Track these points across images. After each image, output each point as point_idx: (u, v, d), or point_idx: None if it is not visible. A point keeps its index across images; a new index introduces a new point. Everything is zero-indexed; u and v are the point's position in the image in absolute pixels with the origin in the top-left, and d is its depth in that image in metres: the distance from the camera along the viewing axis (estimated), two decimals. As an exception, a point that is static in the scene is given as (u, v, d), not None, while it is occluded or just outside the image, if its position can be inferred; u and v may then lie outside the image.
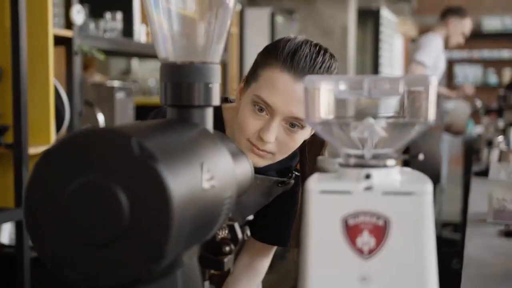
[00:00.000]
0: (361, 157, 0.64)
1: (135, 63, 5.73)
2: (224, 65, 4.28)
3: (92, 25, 2.95)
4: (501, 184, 1.77)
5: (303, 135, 1.19)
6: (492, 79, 8.88)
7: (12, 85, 2.36)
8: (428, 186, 0.61)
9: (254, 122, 1.17)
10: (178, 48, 0.67)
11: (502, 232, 1.66)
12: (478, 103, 4.96)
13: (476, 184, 2.59)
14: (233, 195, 0.67)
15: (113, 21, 3.11)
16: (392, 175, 0.63)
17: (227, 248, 0.75)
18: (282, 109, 1.15)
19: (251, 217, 1.46)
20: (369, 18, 6.83)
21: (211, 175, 0.61)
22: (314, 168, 1.30)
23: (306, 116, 0.65)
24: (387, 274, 0.61)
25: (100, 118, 2.99)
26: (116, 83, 3.36)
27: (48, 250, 0.55)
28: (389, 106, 0.73)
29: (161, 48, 0.68)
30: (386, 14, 7.06)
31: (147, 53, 3.47)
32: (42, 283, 2.43)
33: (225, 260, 0.75)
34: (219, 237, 0.76)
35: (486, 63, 8.93)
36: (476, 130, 4.97)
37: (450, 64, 8.38)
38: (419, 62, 4.26)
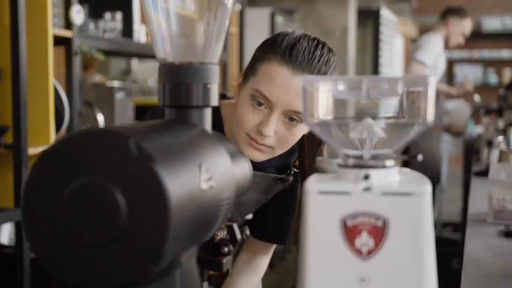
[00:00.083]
0: (360, 157, 0.64)
1: (135, 63, 5.73)
2: (224, 65, 4.28)
3: (91, 25, 2.95)
4: (501, 184, 1.77)
5: (302, 129, 1.19)
6: (492, 79, 8.88)
7: (12, 85, 2.36)
8: (427, 186, 0.61)
9: (253, 116, 1.17)
10: (176, 48, 0.67)
11: (502, 232, 1.66)
12: (477, 98, 4.95)
13: (476, 184, 2.59)
14: (231, 195, 0.67)
15: (112, 21, 3.10)
16: (391, 175, 0.63)
17: (226, 249, 0.75)
18: (281, 103, 1.15)
19: (250, 216, 1.46)
20: (369, 18, 6.83)
21: (209, 175, 0.60)
22: (313, 163, 1.30)
23: (304, 117, 0.65)
24: (386, 275, 0.61)
25: (100, 118, 2.99)
26: (116, 83, 3.36)
27: (46, 251, 0.55)
28: (389, 106, 0.73)
29: (160, 48, 0.68)
30: (386, 14, 7.06)
31: (146, 53, 3.47)
32: (41, 283, 2.43)
33: (224, 261, 0.75)
34: (218, 238, 0.76)
35: (486, 63, 8.93)
36: (476, 130, 4.97)
37: (450, 64, 8.38)
38: (419, 61, 4.26)
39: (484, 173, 2.48)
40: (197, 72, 0.67)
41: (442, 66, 4.49)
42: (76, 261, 0.54)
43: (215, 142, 0.67)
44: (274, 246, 1.47)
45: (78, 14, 2.69)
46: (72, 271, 0.54)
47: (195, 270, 0.66)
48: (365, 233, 0.61)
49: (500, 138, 2.94)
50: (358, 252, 0.61)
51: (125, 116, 3.14)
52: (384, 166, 0.63)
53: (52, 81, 2.54)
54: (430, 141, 4.20)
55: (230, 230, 0.77)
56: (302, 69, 1.15)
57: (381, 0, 6.93)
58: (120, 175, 0.53)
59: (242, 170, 0.75)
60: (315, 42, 1.19)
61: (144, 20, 3.27)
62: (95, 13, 3.03)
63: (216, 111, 1.28)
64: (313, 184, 0.62)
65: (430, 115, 0.64)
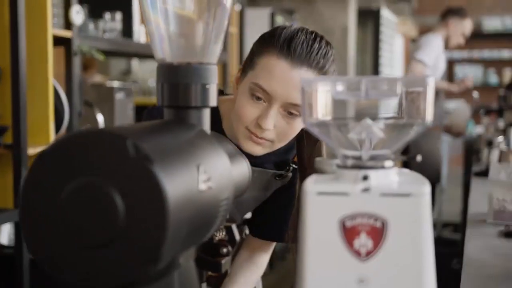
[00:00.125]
0: (359, 158, 0.63)
1: (135, 63, 5.73)
2: (224, 65, 4.28)
3: (91, 26, 2.95)
4: (501, 184, 1.77)
5: (301, 122, 1.20)
6: (493, 79, 8.88)
7: (11, 85, 2.36)
8: (426, 187, 0.61)
9: (252, 110, 1.17)
10: (175, 48, 0.67)
11: (502, 232, 1.66)
12: (475, 95, 4.95)
13: (476, 185, 2.59)
14: (230, 196, 0.67)
15: (112, 22, 3.10)
16: (390, 176, 0.63)
17: (225, 250, 0.75)
18: (280, 96, 1.15)
19: (249, 216, 1.46)
20: (369, 18, 6.83)
21: (207, 176, 0.60)
22: (312, 157, 1.30)
23: (303, 117, 0.65)
24: (385, 276, 0.61)
25: (100, 118, 2.98)
26: (115, 84, 3.36)
27: (44, 252, 0.55)
28: (389, 106, 0.72)
29: (158, 48, 0.68)
30: (386, 14, 7.05)
31: (146, 53, 3.47)
32: (41, 283, 2.43)
33: (223, 261, 0.74)
34: (217, 238, 0.76)
35: (487, 63, 8.93)
36: (476, 130, 4.97)
37: (451, 64, 8.38)
38: (419, 60, 4.26)
39: (484, 173, 2.48)
40: (196, 73, 0.67)
41: (442, 66, 4.49)
42: (74, 261, 0.54)
43: (214, 143, 0.67)
44: (274, 244, 1.47)
45: (78, 14, 2.69)
46: (70, 271, 0.54)
47: (194, 271, 0.66)
48: (364, 234, 0.61)
49: (500, 138, 2.93)
50: (357, 253, 0.61)
51: (125, 117, 3.14)
52: (383, 167, 0.63)
53: (51, 81, 2.54)
54: (430, 141, 4.20)
55: (229, 231, 0.77)
56: (301, 62, 1.16)
57: (381, 0, 6.93)
58: (118, 176, 0.52)
59: (240, 170, 0.75)
60: (313, 35, 1.19)
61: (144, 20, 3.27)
62: (95, 13, 3.03)
63: (214, 107, 1.28)
64: (311, 185, 0.62)
65: (429, 115, 0.64)
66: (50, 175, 0.54)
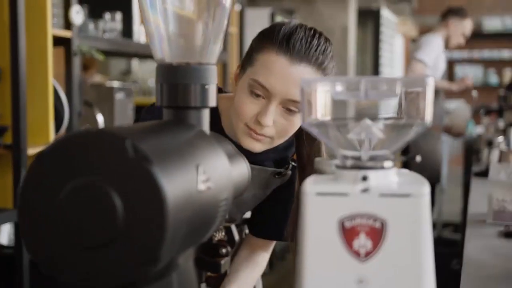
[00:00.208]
0: (358, 158, 0.63)
1: (135, 63, 5.73)
2: (224, 65, 4.28)
3: (91, 26, 2.95)
4: (501, 184, 1.77)
5: (301, 118, 1.19)
6: (493, 79, 8.88)
7: (11, 85, 2.36)
8: (425, 188, 0.61)
9: (251, 106, 1.17)
10: (174, 49, 0.67)
11: (502, 233, 1.66)
12: (474, 93, 4.95)
13: (476, 185, 2.59)
14: (229, 197, 0.67)
15: (112, 22, 3.10)
16: (389, 177, 0.63)
17: (224, 250, 0.74)
18: (279, 92, 1.15)
19: (248, 215, 1.46)
20: (369, 18, 6.83)
21: (207, 176, 0.60)
22: (311, 153, 1.30)
23: (302, 118, 0.65)
24: (384, 276, 0.61)
25: (100, 118, 2.98)
26: (115, 84, 3.36)
27: (42, 253, 0.55)
28: (389, 106, 0.72)
29: (157, 49, 0.68)
30: (386, 14, 7.05)
31: (146, 53, 3.47)
32: (41, 284, 2.43)
33: (222, 262, 0.74)
34: (216, 239, 0.75)
35: (487, 63, 8.93)
36: (476, 130, 4.96)
37: (451, 64, 8.38)
38: (419, 60, 4.26)
39: (484, 173, 2.47)
40: (195, 73, 0.67)
41: (442, 67, 4.49)
42: (73, 262, 0.54)
43: (213, 143, 0.67)
44: (273, 243, 1.46)
45: (77, 14, 2.69)
46: (69, 272, 0.54)
47: (193, 271, 0.66)
48: (363, 235, 0.60)
49: (500, 139, 2.93)
50: (356, 254, 0.61)
51: (125, 117, 3.14)
52: (382, 167, 0.62)
53: (51, 81, 2.54)
54: (430, 141, 4.20)
55: (228, 231, 0.77)
56: (300, 58, 1.16)
57: (381, 0, 6.93)
58: (117, 176, 0.52)
59: (240, 171, 0.75)
60: (312, 31, 1.19)
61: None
62: (94, 14, 3.03)
63: None
64: (311, 186, 0.62)
65: (429, 115, 0.64)
66: (48, 176, 0.54)
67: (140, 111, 1.36)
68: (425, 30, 6.21)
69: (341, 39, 5.62)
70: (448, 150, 5.19)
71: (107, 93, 3.10)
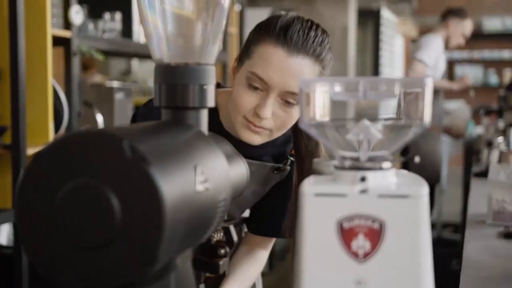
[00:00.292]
0: (357, 159, 0.63)
1: (135, 63, 5.72)
2: (224, 65, 4.28)
3: (91, 26, 2.95)
4: (501, 185, 1.77)
5: (299, 110, 1.19)
6: (493, 79, 8.87)
7: (11, 85, 2.35)
8: (424, 188, 0.61)
9: (249, 99, 1.17)
10: (172, 49, 0.67)
11: (502, 233, 1.66)
12: (472, 93, 4.95)
13: (476, 185, 2.59)
14: (227, 197, 0.67)
15: (112, 22, 3.10)
16: (388, 177, 0.63)
17: (222, 251, 0.74)
18: (277, 84, 1.15)
19: (247, 214, 1.45)
20: (369, 19, 6.82)
21: (205, 177, 0.60)
22: (309, 145, 1.29)
23: (300, 118, 0.65)
24: (383, 277, 0.61)
25: (99, 118, 2.98)
26: (115, 84, 3.35)
27: (40, 253, 0.54)
28: (389, 107, 0.72)
29: (156, 49, 0.67)
30: (386, 15, 7.05)
31: (146, 53, 3.46)
32: (40, 284, 2.43)
33: (220, 263, 0.74)
34: (214, 239, 0.75)
35: (487, 64, 8.92)
36: (476, 130, 4.96)
37: (451, 64, 8.37)
38: (420, 60, 4.26)
39: (484, 174, 2.47)
40: (193, 73, 0.66)
41: (442, 67, 4.49)
42: (70, 263, 0.54)
43: (211, 144, 0.67)
44: (273, 241, 1.46)
45: (77, 14, 2.69)
46: (66, 273, 0.54)
47: (191, 272, 0.66)
48: (362, 236, 0.60)
49: (500, 139, 2.93)
50: (355, 255, 0.61)
51: (124, 117, 3.14)
52: (381, 168, 0.62)
53: (51, 81, 2.53)
54: (430, 142, 4.20)
55: (227, 232, 0.76)
56: (297, 50, 1.16)
57: (381, 0, 6.93)
58: (114, 177, 0.52)
59: (238, 171, 0.75)
60: (309, 23, 1.20)
61: (143, 20, 3.26)
62: (94, 14, 3.02)
63: None
64: (309, 186, 0.62)
65: (427, 116, 0.64)
66: (46, 176, 0.54)
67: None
68: (425, 30, 6.20)
69: (341, 39, 5.62)
70: (448, 150, 5.18)
71: (107, 93, 3.09)
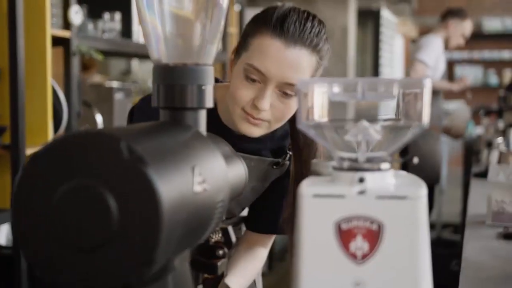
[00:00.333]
0: (355, 160, 0.63)
1: (135, 63, 5.72)
2: (224, 65, 4.28)
3: (90, 26, 2.95)
4: (500, 186, 1.77)
5: (297, 101, 1.19)
6: (493, 80, 8.87)
7: (10, 85, 2.35)
8: (422, 190, 0.61)
9: (247, 91, 1.17)
10: (171, 49, 0.67)
11: (501, 234, 1.66)
12: (469, 95, 4.96)
13: (476, 186, 2.58)
14: (226, 198, 0.66)
15: (111, 22, 3.10)
16: (386, 178, 0.62)
17: (221, 252, 0.74)
18: (275, 76, 1.15)
19: (245, 213, 1.45)
20: (369, 19, 6.82)
21: (203, 178, 0.60)
22: (307, 137, 1.29)
23: (298, 119, 0.64)
24: (381, 279, 0.60)
25: (99, 119, 2.98)
26: (115, 84, 3.35)
27: (37, 255, 0.54)
28: (389, 108, 0.72)
29: (154, 49, 0.67)
30: (386, 15, 7.05)
31: (146, 53, 3.44)
32: (40, 284, 2.42)
33: (219, 263, 0.74)
34: (213, 240, 0.75)
35: (487, 64, 8.92)
36: (476, 131, 4.96)
37: (451, 65, 8.37)
38: (421, 61, 4.26)
39: (484, 174, 2.47)
40: (192, 74, 0.66)
41: (442, 67, 4.49)
42: (67, 265, 0.53)
43: (210, 145, 0.67)
44: (272, 238, 1.46)
45: (76, 14, 2.68)
46: (63, 275, 0.54)
47: (189, 274, 0.66)
48: (360, 237, 0.60)
49: (500, 140, 2.93)
50: (353, 256, 0.60)
51: (124, 117, 3.13)
52: (379, 169, 0.62)
53: (50, 81, 2.53)
54: (429, 142, 4.20)
55: (225, 232, 0.76)
56: (294, 41, 1.16)
57: (381, 0, 6.92)
58: (112, 177, 0.52)
59: (236, 172, 0.74)
60: (305, 14, 1.20)
61: (142, 20, 3.26)
62: (94, 14, 3.02)
63: None
64: (307, 187, 0.61)
65: (426, 117, 0.63)
66: (43, 177, 0.54)
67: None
68: (425, 31, 6.20)
69: (341, 40, 5.61)
70: (447, 151, 5.19)
71: (107, 93, 3.09)
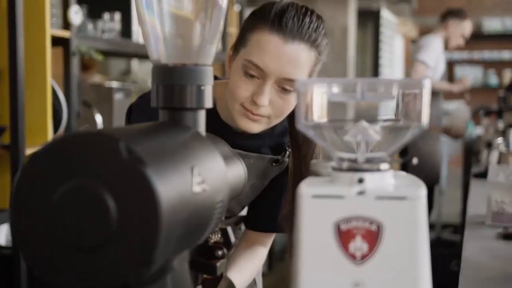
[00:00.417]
0: (354, 161, 0.63)
1: (135, 63, 5.71)
2: (223, 65, 4.27)
3: (90, 26, 2.95)
4: (500, 186, 1.77)
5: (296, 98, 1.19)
6: (493, 80, 8.87)
7: (9, 86, 2.35)
8: (422, 190, 0.61)
9: (246, 87, 1.17)
10: (170, 49, 0.67)
11: (501, 234, 1.65)
12: (467, 97, 4.97)
13: (475, 186, 2.58)
14: (225, 198, 0.66)
15: (111, 22, 3.10)
16: (386, 179, 0.62)
17: (220, 252, 0.74)
18: (273, 71, 1.15)
19: (244, 212, 1.45)
20: (369, 19, 6.82)
21: (202, 178, 0.60)
22: (306, 136, 1.28)
23: (298, 120, 0.64)
24: (380, 279, 0.60)
25: (98, 119, 2.98)
26: (114, 84, 3.35)
27: (36, 255, 0.54)
28: (389, 108, 0.72)
29: (153, 49, 0.67)
30: (386, 15, 7.05)
31: (146, 54, 3.44)
32: (39, 284, 2.42)
33: (218, 264, 0.74)
34: (212, 241, 0.75)
35: (487, 64, 8.92)
36: (476, 131, 4.96)
37: (451, 65, 8.36)
38: (422, 61, 4.26)
39: (483, 174, 2.47)
40: (191, 74, 0.66)
41: (442, 68, 4.49)
42: (66, 265, 0.53)
43: (209, 145, 0.66)
44: (271, 237, 1.45)
45: (76, 14, 2.68)
46: (62, 275, 0.54)
47: (188, 274, 0.66)
48: (359, 238, 0.60)
49: (500, 140, 2.93)
50: (352, 257, 0.60)
51: (124, 117, 3.13)
52: (378, 170, 0.62)
53: (50, 81, 2.53)
54: (429, 142, 4.19)
55: (224, 233, 0.76)
56: (293, 36, 1.16)
57: (381, 0, 6.92)
58: (111, 178, 0.52)
59: (236, 172, 0.74)
60: (304, 9, 1.19)
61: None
62: (93, 14, 3.02)
63: None
64: (306, 188, 0.61)
65: (425, 117, 0.63)
66: (42, 177, 0.54)
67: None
68: (425, 31, 6.20)
69: (341, 40, 5.61)
70: (447, 151, 5.18)
71: (106, 94, 3.09)
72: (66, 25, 2.68)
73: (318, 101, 0.64)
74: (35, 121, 2.49)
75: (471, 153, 4.30)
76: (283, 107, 1.19)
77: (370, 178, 0.61)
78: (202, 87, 0.67)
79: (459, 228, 4.58)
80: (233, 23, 4.52)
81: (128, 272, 0.52)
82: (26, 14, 2.39)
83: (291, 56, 1.15)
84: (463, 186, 4.55)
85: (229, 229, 0.76)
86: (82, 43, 2.76)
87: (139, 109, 1.31)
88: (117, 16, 3.13)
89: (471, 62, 8.92)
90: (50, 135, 2.53)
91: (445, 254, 3.65)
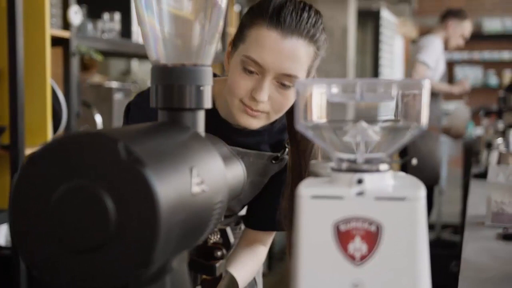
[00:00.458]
0: (354, 161, 0.63)
1: (135, 64, 5.71)
2: (223, 65, 4.27)
3: (90, 26, 2.95)
4: (500, 186, 1.76)
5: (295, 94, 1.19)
6: (493, 80, 8.87)
7: (9, 86, 2.35)
8: (421, 191, 0.60)
9: (245, 83, 1.17)
10: (169, 50, 0.67)
11: (500, 235, 1.65)
12: (466, 98, 4.97)
13: (475, 187, 2.58)
14: (224, 199, 0.66)
15: (111, 22, 3.10)
16: (385, 180, 0.62)
17: (219, 253, 0.74)
18: (272, 67, 1.15)
19: (244, 212, 1.45)
20: (369, 19, 6.82)
21: (201, 179, 0.60)
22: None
23: (297, 120, 0.64)
24: (380, 280, 0.60)
25: (98, 119, 2.98)
26: (114, 84, 3.35)
27: (34, 256, 0.54)
28: (389, 108, 0.72)
29: (152, 50, 0.67)
30: (386, 15, 7.05)
31: (145, 54, 3.44)
32: (38, 285, 2.42)
33: (217, 265, 0.74)
34: (211, 241, 0.75)
35: (487, 65, 8.91)
36: (475, 132, 4.96)
37: (451, 65, 8.36)
38: (423, 62, 4.26)
39: (483, 175, 2.47)
40: (190, 74, 0.66)
41: (442, 68, 4.49)
42: (65, 266, 0.53)
43: (208, 145, 0.66)
44: (271, 236, 1.45)
45: (76, 14, 2.68)
46: (61, 276, 0.54)
47: (186, 275, 0.66)
48: (358, 238, 0.60)
49: (500, 140, 2.92)
50: (351, 258, 0.60)
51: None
52: (378, 170, 0.62)
53: (49, 81, 2.53)
54: (429, 143, 4.19)
55: (223, 233, 0.76)
56: (291, 31, 1.16)
57: (381, 1, 6.92)
58: (109, 179, 0.52)
59: (235, 173, 0.74)
60: (302, 4, 1.19)
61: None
62: (93, 14, 3.02)
63: None
64: (305, 189, 0.61)
65: (425, 118, 0.63)
66: (41, 177, 0.53)
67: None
68: (425, 31, 6.19)
69: (341, 40, 5.61)
70: (447, 151, 5.18)
71: (106, 94, 3.09)
72: (66, 25, 2.68)
73: (317, 101, 0.64)
74: (34, 121, 2.49)
75: (471, 154, 4.30)
76: (282, 102, 1.19)
77: (370, 179, 0.61)
78: (201, 88, 0.67)
79: (458, 229, 4.59)
80: (232, 23, 4.52)
81: (127, 273, 0.52)
82: (26, 14, 2.39)
83: (289, 51, 1.15)
84: (463, 187, 4.55)
85: (228, 230, 0.76)
86: (81, 43, 2.76)
87: (137, 107, 1.31)
88: (117, 16, 3.13)
89: (471, 62, 8.91)
90: (49, 135, 2.53)
91: (445, 254, 3.65)
